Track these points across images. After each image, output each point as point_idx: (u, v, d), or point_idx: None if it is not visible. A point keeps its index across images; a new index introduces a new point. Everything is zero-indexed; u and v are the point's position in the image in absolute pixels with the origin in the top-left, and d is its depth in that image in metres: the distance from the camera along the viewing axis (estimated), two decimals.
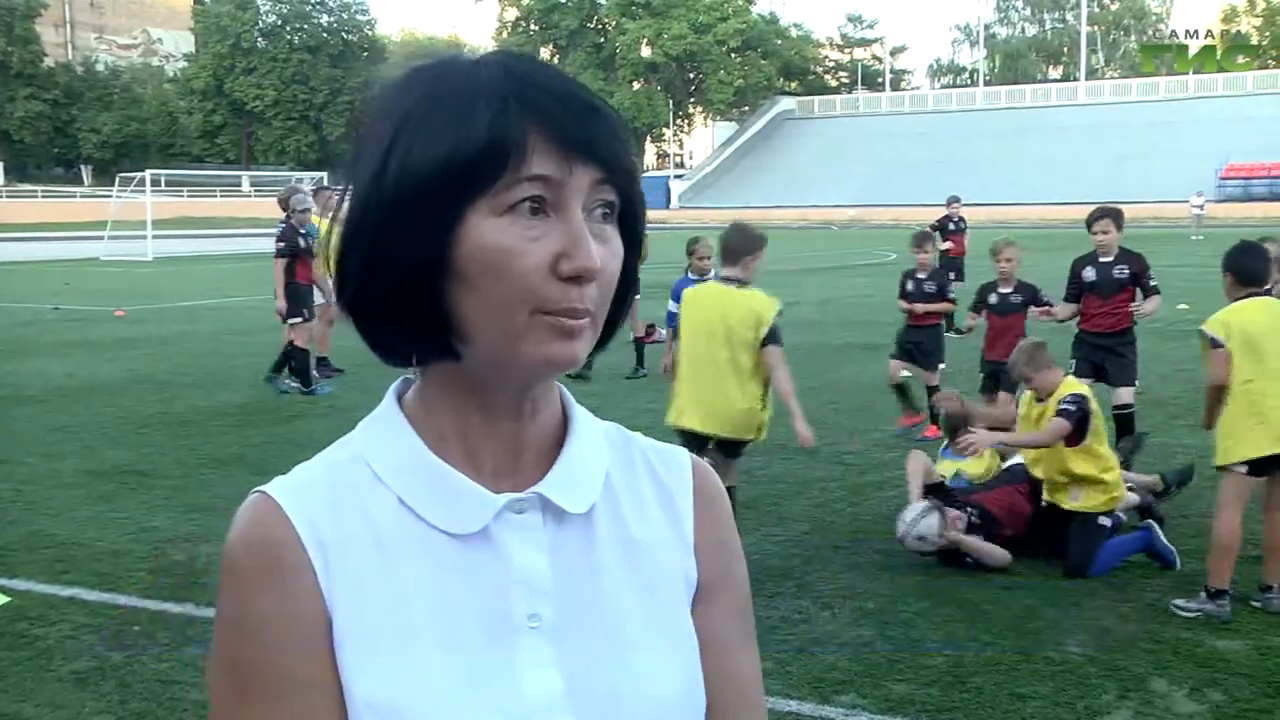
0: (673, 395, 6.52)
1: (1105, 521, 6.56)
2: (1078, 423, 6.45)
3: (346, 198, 1.00)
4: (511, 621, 1.00)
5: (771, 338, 6.20)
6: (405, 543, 1.00)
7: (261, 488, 1.02)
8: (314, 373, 12.93)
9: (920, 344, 10.18)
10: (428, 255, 0.95)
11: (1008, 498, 6.91)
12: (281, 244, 12.52)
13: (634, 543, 1.08)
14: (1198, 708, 4.79)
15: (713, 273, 8.77)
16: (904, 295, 10.30)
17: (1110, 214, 8.46)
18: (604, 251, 0.97)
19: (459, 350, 0.99)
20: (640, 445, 1.15)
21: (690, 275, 10.12)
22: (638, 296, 1.14)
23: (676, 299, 9.31)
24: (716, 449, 6.30)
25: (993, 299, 9.26)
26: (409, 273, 0.96)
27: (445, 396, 1.04)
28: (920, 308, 10.14)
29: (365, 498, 1.01)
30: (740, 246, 6.33)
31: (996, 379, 8.86)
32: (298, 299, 12.48)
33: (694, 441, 6.07)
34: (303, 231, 12.58)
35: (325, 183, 20.03)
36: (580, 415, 1.11)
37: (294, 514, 0.98)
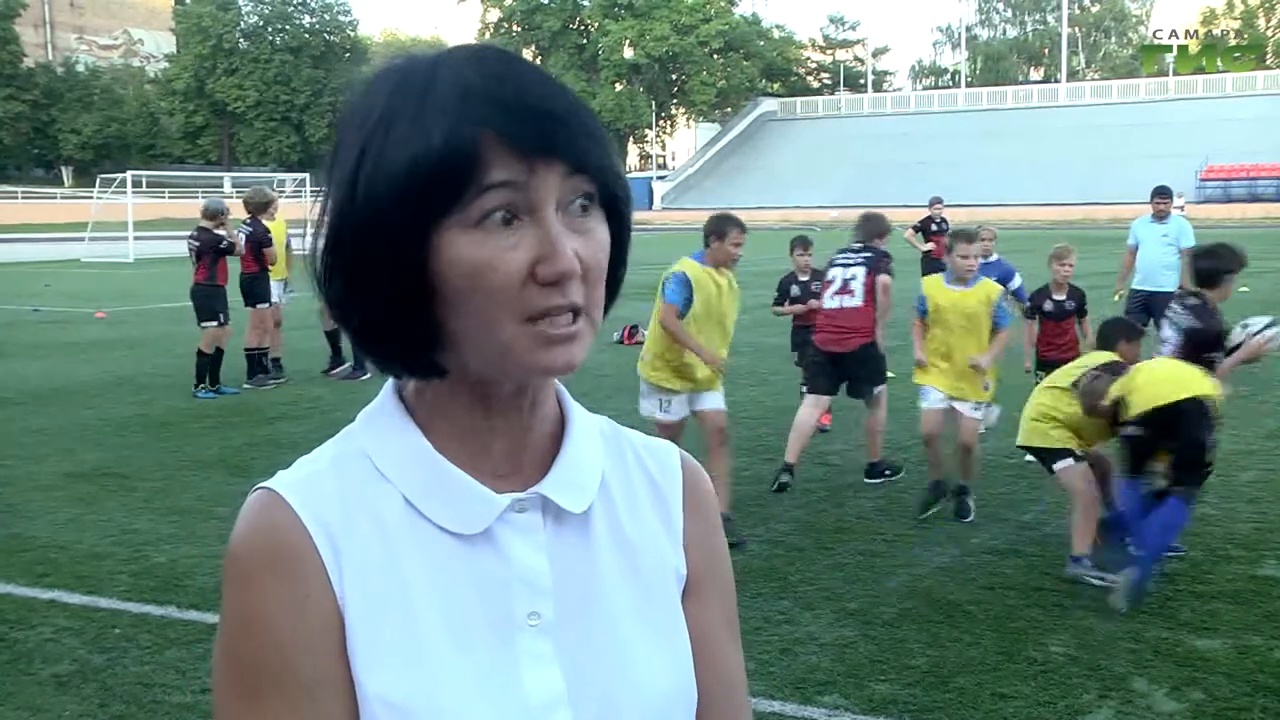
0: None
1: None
2: None
3: (327, 204, 0.99)
4: (513, 620, 1.01)
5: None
6: (410, 541, 1.00)
7: (265, 484, 1.01)
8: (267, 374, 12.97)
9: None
10: (405, 277, 0.95)
11: None
12: (226, 245, 12.74)
13: (629, 541, 1.09)
14: (1178, 706, 4.81)
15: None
16: (791, 299, 10.58)
17: None
18: (586, 245, 0.97)
19: (445, 366, 0.99)
20: (631, 441, 1.16)
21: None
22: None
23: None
24: None
25: (1048, 306, 9.26)
26: (390, 295, 0.96)
27: (447, 395, 1.03)
28: (800, 308, 10.49)
29: (371, 494, 1.01)
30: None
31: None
32: (214, 301, 12.62)
33: None
34: (221, 234, 12.77)
35: (308, 184, 20.24)
36: (576, 411, 1.11)
37: (302, 510, 0.98)
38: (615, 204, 1.01)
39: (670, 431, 6.97)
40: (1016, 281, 10.38)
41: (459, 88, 0.94)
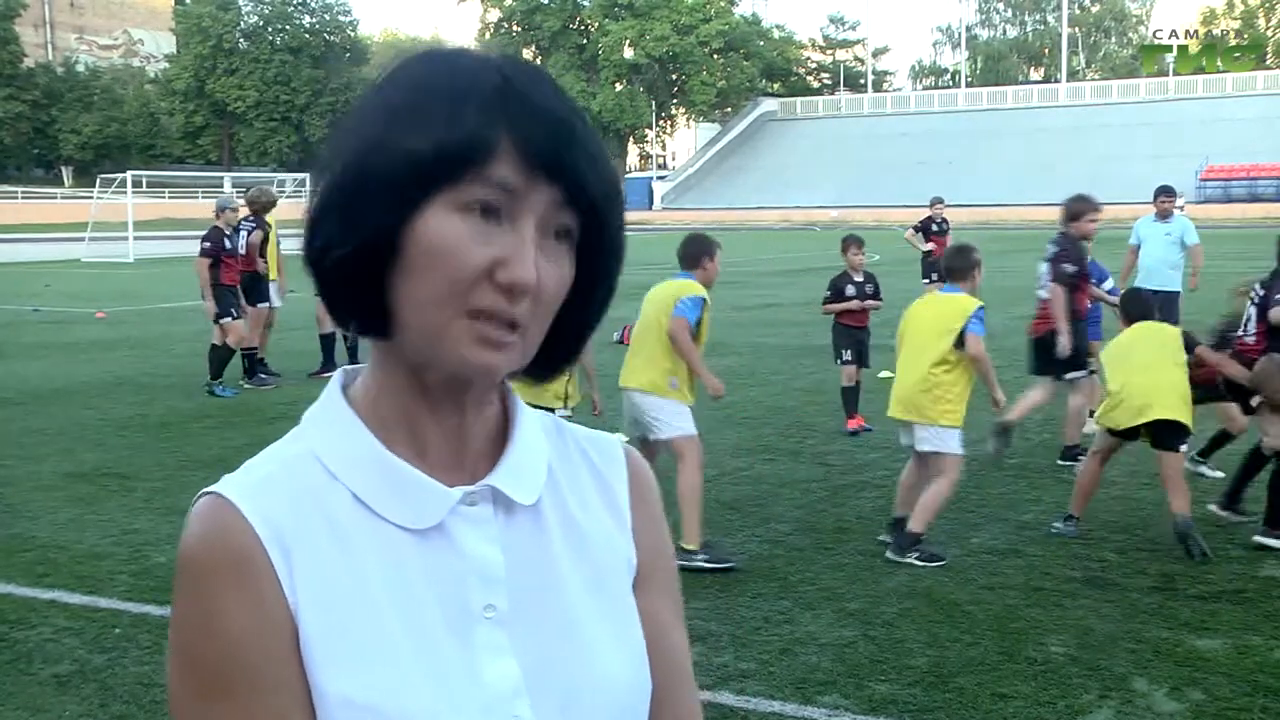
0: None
1: None
2: None
3: (330, 167, 1.01)
4: (469, 613, 1.02)
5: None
6: (363, 539, 1.00)
7: (213, 488, 1.01)
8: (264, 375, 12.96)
9: (865, 342, 10.63)
10: (381, 235, 0.97)
11: None
12: (206, 244, 12.80)
13: (579, 531, 1.11)
14: (1178, 707, 4.81)
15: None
16: (846, 298, 10.60)
17: None
18: (551, 271, 0.98)
19: (390, 331, 1.00)
20: (574, 434, 1.17)
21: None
22: None
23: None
24: None
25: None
26: (361, 248, 0.97)
27: (391, 387, 1.04)
28: (856, 305, 10.58)
29: (321, 495, 1.01)
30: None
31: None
32: (225, 300, 12.73)
33: None
34: (228, 233, 12.90)
35: (308, 184, 20.44)
36: (520, 406, 1.12)
37: (252, 515, 0.98)
38: (600, 250, 1.03)
39: (698, 443, 6.75)
40: (1110, 283, 10.48)
41: (499, 81, 0.98)
